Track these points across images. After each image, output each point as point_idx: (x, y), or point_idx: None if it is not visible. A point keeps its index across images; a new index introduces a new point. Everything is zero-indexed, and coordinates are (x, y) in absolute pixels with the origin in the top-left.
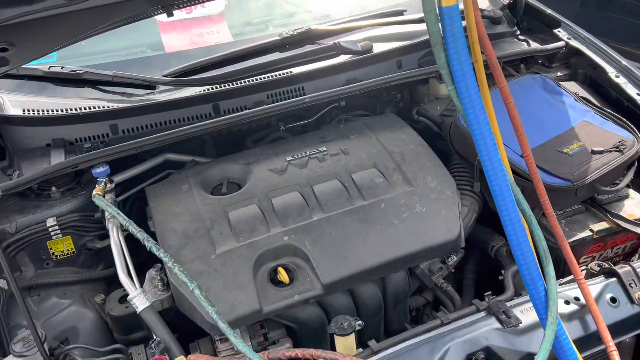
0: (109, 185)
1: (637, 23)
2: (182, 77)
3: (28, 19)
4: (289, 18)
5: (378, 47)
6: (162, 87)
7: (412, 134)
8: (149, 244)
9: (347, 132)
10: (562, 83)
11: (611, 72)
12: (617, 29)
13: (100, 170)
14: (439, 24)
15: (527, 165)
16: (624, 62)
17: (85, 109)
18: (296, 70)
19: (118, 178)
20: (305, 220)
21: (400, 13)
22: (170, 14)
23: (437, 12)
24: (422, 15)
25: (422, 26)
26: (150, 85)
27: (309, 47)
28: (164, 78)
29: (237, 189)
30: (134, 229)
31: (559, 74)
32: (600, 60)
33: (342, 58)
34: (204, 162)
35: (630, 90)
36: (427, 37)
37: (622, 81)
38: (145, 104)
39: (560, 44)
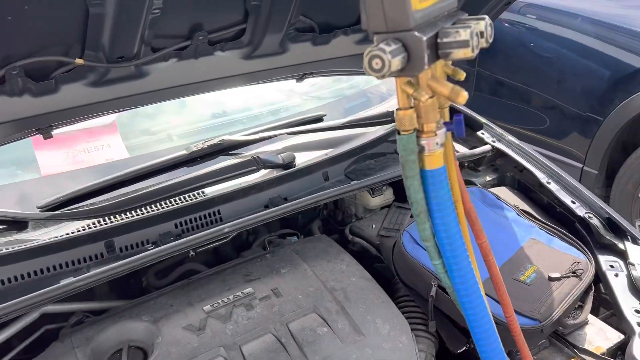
0: None
1: (523, 108)
2: (63, 208)
3: None
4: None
5: (301, 157)
6: (36, 224)
7: (351, 263)
8: None
9: (275, 264)
10: (495, 190)
11: (542, 177)
12: (506, 112)
13: None
14: (422, 190)
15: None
16: (551, 165)
17: None
18: (210, 190)
19: None
20: None
21: (320, 119)
22: (48, 136)
23: (420, 176)
24: (344, 120)
25: (344, 132)
26: (21, 222)
27: (223, 162)
28: (38, 213)
29: (142, 359)
30: None
31: (487, 178)
32: (526, 162)
33: (263, 173)
34: (95, 321)
35: (565, 198)
36: (351, 145)
37: (554, 187)
38: (14, 251)
39: (487, 147)
